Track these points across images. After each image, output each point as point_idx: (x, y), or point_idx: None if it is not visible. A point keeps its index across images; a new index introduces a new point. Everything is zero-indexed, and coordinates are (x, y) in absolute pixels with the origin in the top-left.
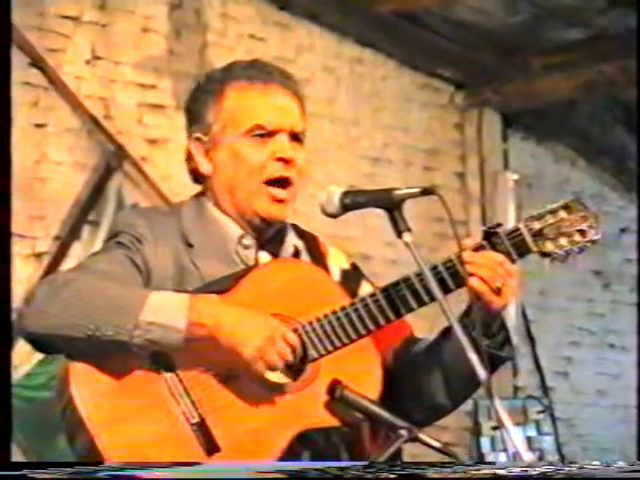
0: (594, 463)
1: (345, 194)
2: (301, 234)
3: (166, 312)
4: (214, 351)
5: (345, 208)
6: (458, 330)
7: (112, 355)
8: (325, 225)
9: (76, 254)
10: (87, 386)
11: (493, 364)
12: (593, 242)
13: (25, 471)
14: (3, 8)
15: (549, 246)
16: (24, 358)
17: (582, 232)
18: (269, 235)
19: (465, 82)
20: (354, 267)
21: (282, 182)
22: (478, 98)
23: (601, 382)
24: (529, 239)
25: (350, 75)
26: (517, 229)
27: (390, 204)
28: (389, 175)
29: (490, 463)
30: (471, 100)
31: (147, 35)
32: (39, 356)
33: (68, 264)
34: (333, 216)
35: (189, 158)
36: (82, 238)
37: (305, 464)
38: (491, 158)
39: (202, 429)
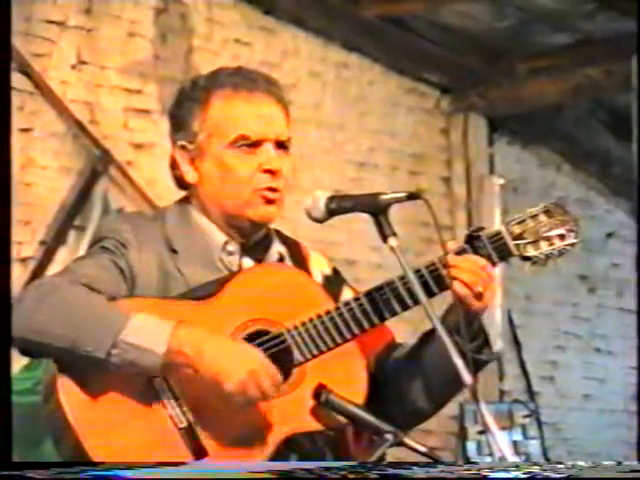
0: (579, 463)
1: (331, 199)
2: (284, 240)
3: (147, 335)
4: (192, 380)
5: (331, 213)
6: (443, 334)
7: (90, 370)
8: (311, 230)
9: (62, 259)
10: (75, 391)
11: (473, 367)
12: (572, 246)
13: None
14: (3, 9)
15: (530, 250)
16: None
17: (561, 236)
18: (253, 242)
19: (451, 87)
20: (336, 272)
21: (270, 190)
22: (464, 103)
23: (587, 386)
24: (510, 243)
25: (336, 80)
26: (498, 233)
27: (376, 209)
28: (375, 180)
29: (474, 463)
30: (457, 105)
31: (133, 40)
32: (24, 361)
33: (54, 269)
34: (319, 221)
35: (174, 165)
36: (68, 243)
37: (293, 464)
38: (477, 163)
39: (190, 434)
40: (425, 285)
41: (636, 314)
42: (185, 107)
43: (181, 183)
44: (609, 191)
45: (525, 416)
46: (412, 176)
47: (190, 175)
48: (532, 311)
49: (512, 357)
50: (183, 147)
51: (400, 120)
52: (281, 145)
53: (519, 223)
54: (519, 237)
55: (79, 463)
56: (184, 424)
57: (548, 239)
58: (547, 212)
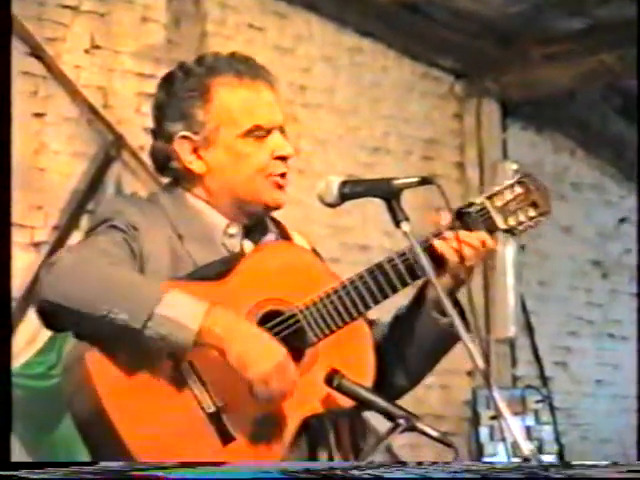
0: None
1: (344, 183)
2: (272, 220)
3: (182, 310)
4: (217, 362)
5: (344, 197)
6: (450, 308)
7: (121, 341)
8: (324, 215)
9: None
10: (106, 376)
11: (450, 341)
12: (545, 214)
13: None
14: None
15: (511, 222)
16: (23, 347)
17: (535, 205)
18: (252, 224)
19: (465, 72)
20: (315, 252)
21: (282, 176)
22: (478, 88)
23: (600, 372)
24: (495, 216)
25: (349, 65)
26: (484, 207)
27: (389, 193)
28: (388, 165)
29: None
30: (470, 90)
31: (146, 24)
32: (38, 345)
33: None
34: (332, 205)
35: (168, 155)
36: (81, 227)
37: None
38: (490, 148)
39: (217, 419)
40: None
41: (637, 296)
42: (183, 97)
43: (180, 173)
44: (622, 176)
45: (538, 401)
46: (425, 161)
47: (195, 165)
48: (545, 296)
49: (525, 343)
50: (185, 137)
51: (413, 105)
52: (282, 130)
53: (498, 195)
54: (501, 210)
55: (84, 463)
56: (212, 409)
57: (524, 210)
58: (521, 183)
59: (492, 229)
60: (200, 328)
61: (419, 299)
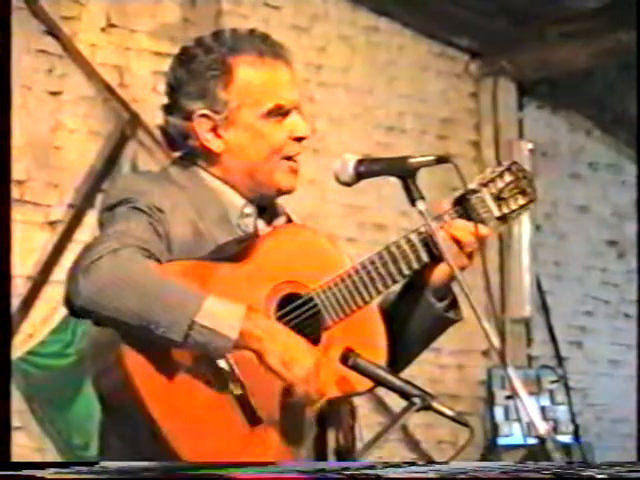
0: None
1: (359, 162)
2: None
3: (221, 319)
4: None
5: (359, 176)
6: (465, 287)
7: (161, 346)
8: (339, 194)
9: (90, 223)
10: (141, 360)
11: (444, 326)
12: (532, 202)
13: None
14: None
15: (504, 210)
16: (38, 327)
17: (524, 193)
18: (264, 205)
19: (480, 51)
20: None
21: (294, 159)
22: (493, 67)
23: (615, 352)
24: (491, 204)
25: (365, 44)
26: (481, 195)
27: (404, 172)
28: (404, 144)
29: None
30: (486, 69)
31: (162, 3)
32: (52, 325)
33: (82, 233)
34: (347, 184)
35: (179, 131)
36: (96, 206)
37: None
38: (506, 127)
39: (245, 401)
40: (427, 245)
41: (636, 274)
42: (204, 75)
43: (196, 151)
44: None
45: (553, 381)
46: (441, 140)
47: (213, 143)
48: (561, 276)
49: (540, 322)
50: (205, 116)
51: (429, 84)
52: (299, 110)
53: (492, 182)
54: (495, 197)
55: (83, 463)
56: (240, 391)
57: (515, 197)
58: (510, 170)
59: (488, 217)
60: (239, 334)
61: (413, 284)
